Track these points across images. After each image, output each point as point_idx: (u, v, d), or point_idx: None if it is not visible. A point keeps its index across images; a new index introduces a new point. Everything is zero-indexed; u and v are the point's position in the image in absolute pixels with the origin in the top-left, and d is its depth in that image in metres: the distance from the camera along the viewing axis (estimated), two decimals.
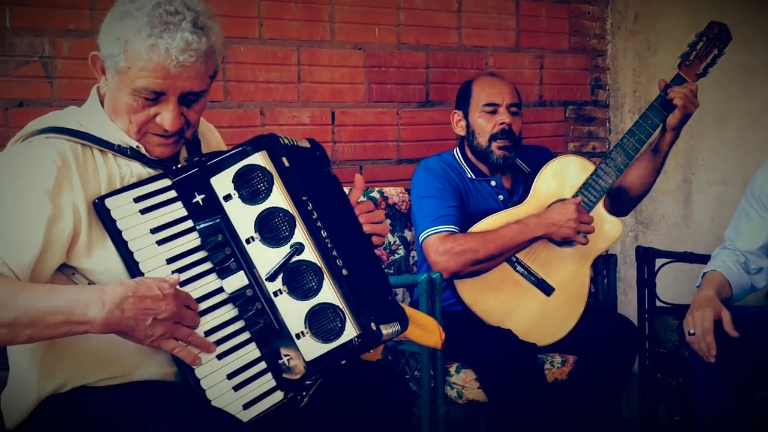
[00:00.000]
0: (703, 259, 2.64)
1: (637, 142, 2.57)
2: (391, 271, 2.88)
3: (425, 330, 1.91)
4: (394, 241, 2.91)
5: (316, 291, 1.54)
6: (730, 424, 2.18)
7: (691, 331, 2.15)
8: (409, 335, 1.82)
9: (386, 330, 1.59)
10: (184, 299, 1.50)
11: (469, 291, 2.57)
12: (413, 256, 2.89)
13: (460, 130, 2.75)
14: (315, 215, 1.59)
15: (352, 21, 3.13)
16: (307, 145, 1.77)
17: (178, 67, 1.52)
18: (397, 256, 2.90)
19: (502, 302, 2.57)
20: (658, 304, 2.88)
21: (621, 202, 2.77)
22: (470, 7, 3.41)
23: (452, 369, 2.47)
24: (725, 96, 3.47)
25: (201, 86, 1.58)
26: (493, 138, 2.67)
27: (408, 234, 2.91)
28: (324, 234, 1.58)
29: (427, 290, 2.41)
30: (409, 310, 1.82)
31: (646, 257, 2.85)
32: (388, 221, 2.89)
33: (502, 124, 2.66)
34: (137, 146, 1.59)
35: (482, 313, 2.56)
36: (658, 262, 2.89)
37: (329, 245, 1.58)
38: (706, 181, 3.57)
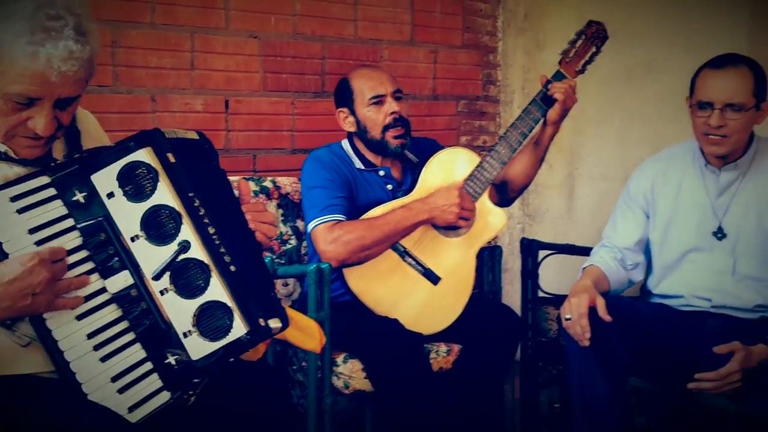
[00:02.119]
0: (584, 251, 2.72)
1: (520, 135, 2.65)
2: (283, 262, 2.88)
3: (306, 333, 1.92)
4: (286, 231, 2.91)
5: (203, 289, 1.53)
6: (605, 409, 2.27)
7: (567, 316, 2.23)
8: (289, 337, 1.84)
9: (273, 324, 1.59)
10: (51, 256, 1.47)
11: (358, 281, 2.60)
12: (305, 247, 2.90)
13: (349, 126, 2.76)
14: (202, 212, 1.57)
15: (247, 9, 3.10)
16: (195, 137, 1.73)
17: (59, 76, 1.47)
18: (288, 246, 2.90)
19: (390, 292, 2.61)
20: (541, 294, 2.97)
21: (505, 193, 2.85)
22: (366, 0, 3.43)
23: (339, 359, 2.50)
24: (608, 94, 3.61)
25: (78, 91, 1.54)
26: (386, 128, 2.70)
27: (300, 224, 2.92)
28: (212, 231, 1.56)
29: (315, 280, 2.42)
30: (291, 312, 1.82)
31: (529, 249, 2.94)
32: (280, 221, 2.89)
33: (393, 113, 2.69)
34: (5, 151, 1.54)
35: (371, 303, 2.59)
36: (542, 253, 2.97)
37: (217, 242, 1.56)
38: (589, 176, 3.71)
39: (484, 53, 3.88)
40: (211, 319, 1.53)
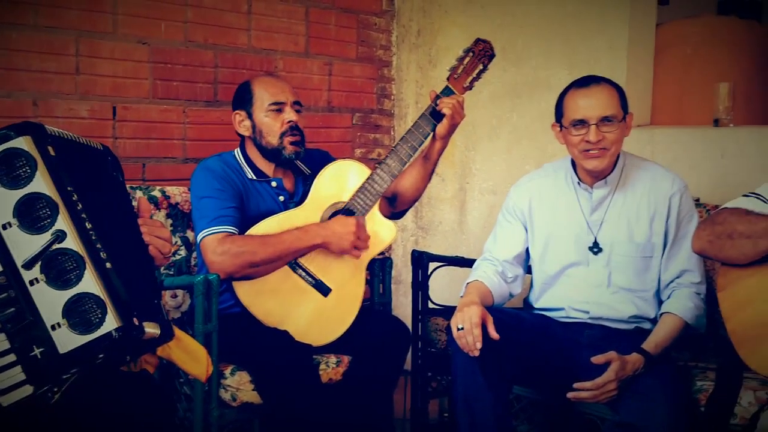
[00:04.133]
0: (472, 263, 2.77)
1: (410, 149, 2.68)
2: (171, 272, 2.83)
3: (193, 358, 1.91)
4: (176, 242, 2.86)
5: (76, 281, 1.51)
6: (488, 419, 2.31)
7: (460, 326, 2.26)
8: (175, 359, 1.82)
9: (149, 328, 1.57)
10: None
11: (248, 293, 2.57)
12: (195, 258, 2.86)
13: (244, 130, 2.74)
14: (80, 206, 1.55)
15: (136, 14, 3.04)
16: (97, 146, 1.74)
17: None
18: (178, 257, 2.85)
19: (280, 303, 2.59)
20: (431, 305, 3.01)
21: (396, 206, 2.88)
22: (260, 10, 3.42)
23: (227, 371, 2.47)
24: (497, 111, 3.70)
25: None
26: (283, 135, 2.69)
27: (190, 235, 2.87)
28: (89, 225, 1.55)
29: (203, 292, 2.39)
30: (180, 334, 1.81)
31: (420, 261, 2.97)
32: (169, 231, 2.84)
33: (290, 122, 2.69)
34: None
35: (260, 314, 2.58)
36: (432, 265, 3.02)
37: (93, 237, 1.55)
38: (479, 190, 3.80)
39: (379, 67, 3.92)
40: (81, 312, 1.50)
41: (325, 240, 2.57)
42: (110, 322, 1.50)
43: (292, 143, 2.69)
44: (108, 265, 1.54)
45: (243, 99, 2.73)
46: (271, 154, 2.71)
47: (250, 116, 2.71)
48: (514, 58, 3.63)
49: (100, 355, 1.52)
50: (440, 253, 3.23)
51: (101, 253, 1.54)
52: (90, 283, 1.51)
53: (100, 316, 1.50)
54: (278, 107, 2.69)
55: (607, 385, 2.25)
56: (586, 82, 2.45)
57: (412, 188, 2.83)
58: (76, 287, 1.51)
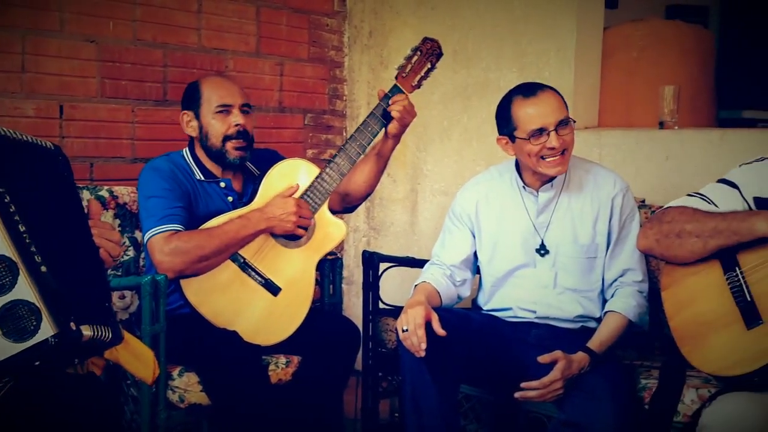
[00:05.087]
0: (424, 264, 2.77)
1: (359, 147, 2.69)
2: (119, 273, 2.80)
3: (140, 360, 1.88)
4: (124, 242, 2.83)
5: (9, 287, 1.46)
6: (436, 418, 2.32)
7: (405, 328, 2.27)
8: (122, 361, 1.80)
9: (88, 332, 1.54)
10: None
11: (196, 293, 2.56)
12: (143, 258, 2.83)
13: (191, 131, 2.72)
14: (13, 208, 1.50)
15: (84, 12, 3.01)
16: (47, 145, 1.69)
17: None
18: (126, 258, 2.82)
19: (229, 303, 2.58)
20: (382, 306, 3.02)
21: (347, 200, 2.88)
22: (210, 9, 3.40)
23: (175, 372, 2.45)
24: (448, 113, 3.73)
25: None
26: (227, 138, 2.67)
27: (138, 235, 2.84)
28: (22, 228, 1.50)
29: (150, 292, 2.37)
30: (128, 336, 1.78)
31: (370, 261, 2.98)
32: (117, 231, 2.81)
33: (237, 125, 2.67)
34: None
35: (210, 315, 2.56)
36: (383, 266, 3.03)
37: (27, 240, 1.50)
38: (430, 191, 3.82)
39: (331, 68, 3.93)
40: (16, 320, 1.46)
41: (268, 224, 2.57)
42: (46, 329, 1.46)
43: (236, 148, 2.67)
44: (43, 269, 1.50)
45: (191, 99, 2.71)
46: (216, 156, 2.70)
47: (197, 117, 2.69)
48: (465, 60, 3.66)
49: (36, 363, 1.49)
50: (392, 253, 3.24)
51: (36, 257, 1.50)
52: (24, 289, 1.47)
53: (35, 323, 1.46)
54: (225, 109, 2.67)
55: (553, 384, 2.28)
56: (531, 90, 2.43)
57: (365, 184, 2.84)
58: (10, 294, 1.46)
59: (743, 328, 2.03)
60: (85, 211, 1.77)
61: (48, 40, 2.92)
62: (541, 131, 2.38)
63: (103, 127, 3.11)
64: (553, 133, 2.37)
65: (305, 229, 2.62)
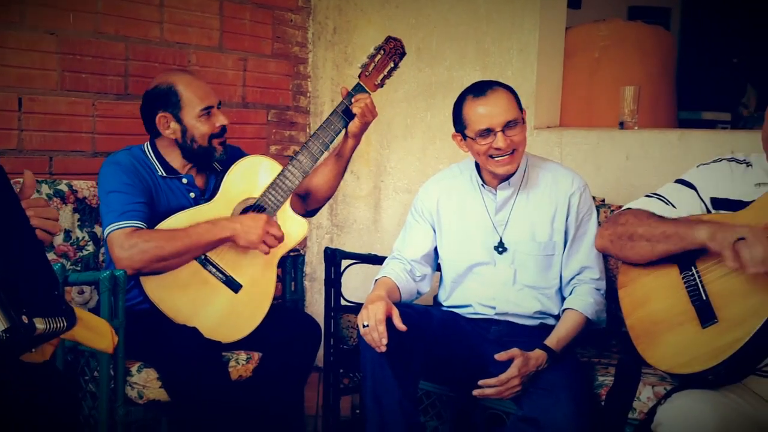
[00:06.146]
0: (385, 260, 2.81)
1: (322, 145, 2.69)
2: (79, 268, 2.77)
3: (96, 332, 1.86)
4: (83, 237, 2.80)
5: None
6: (396, 413, 2.33)
7: (365, 323, 2.28)
8: (78, 337, 1.77)
9: (41, 325, 1.53)
10: None
11: (156, 289, 2.54)
12: (103, 253, 2.80)
13: (170, 133, 2.66)
14: None
15: (44, 3, 2.96)
16: None
17: None
18: (85, 253, 2.80)
19: (190, 300, 2.57)
20: (344, 302, 3.02)
21: (309, 204, 2.89)
22: (173, 3, 3.37)
23: (134, 369, 2.43)
24: (412, 111, 3.74)
25: None
26: (212, 137, 2.67)
27: (98, 230, 2.82)
28: None
29: (109, 288, 2.35)
30: (81, 312, 1.76)
31: (332, 258, 2.98)
32: (77, 226, 2.78)
33: (221, 125, 2.68)
34: None
35: (169, 311, 2.54)
36: (345, 263, 3.03)
37: None
38: (393, 188, 3.83)
39: (295, 64, 3.91)
40: None
41: (233, 233, 2.55)
42: None
43: (220, 143, 2.69)
44: None
45: (167, 101, 2.66)
46: (201, 154, 2.68)
47: (178, 119, 2.65)
48: (429, 58, 3.67)
49: None
50: (355, 250, 3.24)
51: None
52: None
53: None
54: (208, 111, 2.67)
55: (511, 381, 2.30)
56: (481, 89, 2.46)
57: (325, 186, 2.84)
58: None
59: (698, 327, 2.06)
60: (18, 191, 1.71)
61: (7, 33, 2.88)
62: (488, 131, 2.41)
63: (63, 121, 3.07)
64: (500, 134, 2.40)
65: (270, 247, 2.59)
